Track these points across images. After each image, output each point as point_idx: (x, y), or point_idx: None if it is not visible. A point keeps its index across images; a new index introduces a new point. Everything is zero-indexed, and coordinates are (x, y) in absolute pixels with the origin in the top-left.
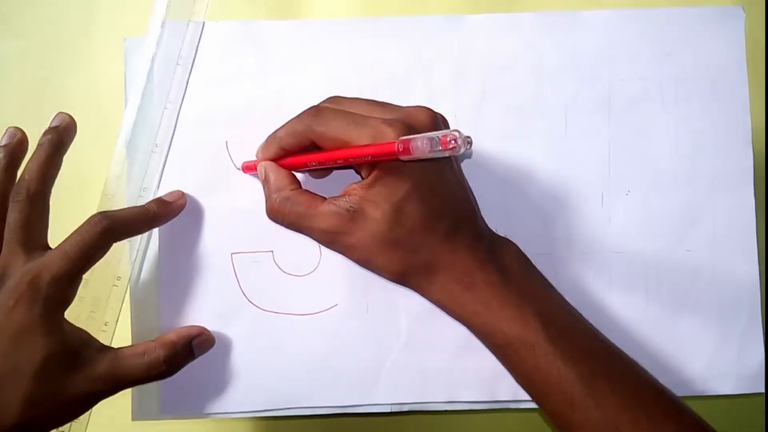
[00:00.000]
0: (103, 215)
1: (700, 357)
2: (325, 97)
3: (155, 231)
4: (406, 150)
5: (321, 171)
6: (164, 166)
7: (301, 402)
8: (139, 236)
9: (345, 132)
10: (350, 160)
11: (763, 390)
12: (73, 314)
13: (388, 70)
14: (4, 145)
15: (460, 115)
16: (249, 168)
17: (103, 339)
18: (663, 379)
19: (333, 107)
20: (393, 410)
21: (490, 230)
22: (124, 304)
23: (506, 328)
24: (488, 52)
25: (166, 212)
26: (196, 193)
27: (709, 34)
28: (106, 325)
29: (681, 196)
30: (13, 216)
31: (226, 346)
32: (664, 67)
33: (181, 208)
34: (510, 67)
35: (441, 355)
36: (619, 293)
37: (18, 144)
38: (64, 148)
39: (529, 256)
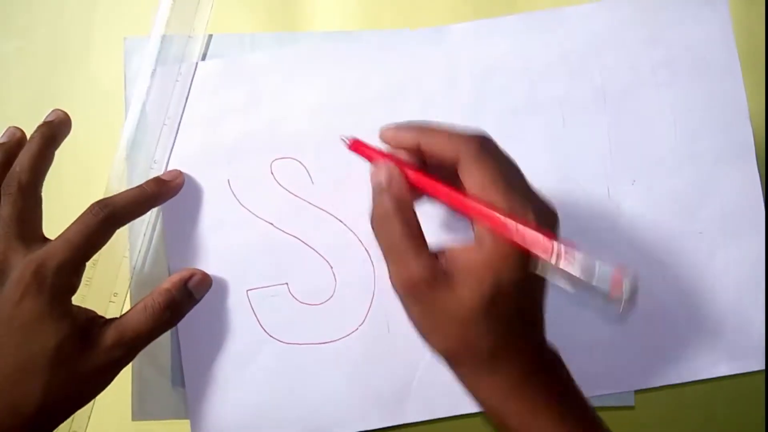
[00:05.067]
0: (101, 204)
1: (715, 338)
2: (319, 122)
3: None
4: (560, 258)
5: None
6: None
7: (334, 430)
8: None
9: (495, 194)
10: (495, 228)
11: (763, 367)
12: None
13: (380, 85)
14: (2, 144)
15: (456, 122)
16: (360, 150)
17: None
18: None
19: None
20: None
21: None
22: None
23: None
24: (476, 58)
25: (164, 191)
26: (203, 234)
27: (694, 13)
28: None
29: (686, 177)
30: (6, 209)
31: (253, 383)
32: (653, 51)
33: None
34: (500, 71)
35: None
36: None
37: (16, 143)
38: (56, 142)
39: None
